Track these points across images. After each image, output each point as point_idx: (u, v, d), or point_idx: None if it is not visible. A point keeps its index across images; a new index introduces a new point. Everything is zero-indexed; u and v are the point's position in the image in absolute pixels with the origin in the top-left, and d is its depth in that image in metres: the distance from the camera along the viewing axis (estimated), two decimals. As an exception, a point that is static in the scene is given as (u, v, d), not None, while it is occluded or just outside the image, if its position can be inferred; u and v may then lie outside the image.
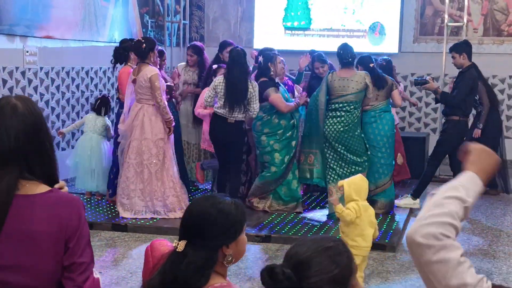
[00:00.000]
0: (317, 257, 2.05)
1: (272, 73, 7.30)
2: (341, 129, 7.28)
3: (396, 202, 7.95)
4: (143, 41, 7.19)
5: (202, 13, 12.05)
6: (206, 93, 7.31)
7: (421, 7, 11.11)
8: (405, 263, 6.16)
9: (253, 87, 7.04)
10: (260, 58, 7.39)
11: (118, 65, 7.83)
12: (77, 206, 2.38)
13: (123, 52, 7.71)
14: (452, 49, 7.84)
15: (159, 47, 7.87)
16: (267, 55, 7.37)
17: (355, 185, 5.10)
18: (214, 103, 7.23)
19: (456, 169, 7.75)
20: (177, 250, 2.27)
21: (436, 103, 8.42)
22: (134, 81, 7.18)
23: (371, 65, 7.55)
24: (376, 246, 6.49)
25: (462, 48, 7.77)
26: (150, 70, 7.06)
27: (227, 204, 2.34)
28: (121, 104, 7.74)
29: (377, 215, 7.56)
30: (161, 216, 7.19)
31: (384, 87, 7.58)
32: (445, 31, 10.10)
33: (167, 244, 2.63)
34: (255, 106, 7.08)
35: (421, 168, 9.60)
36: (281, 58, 7.49)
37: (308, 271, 2.03)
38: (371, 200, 7.58)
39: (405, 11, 11.12)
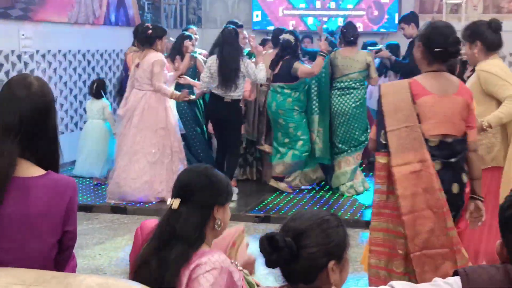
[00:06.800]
0: (315, 229, 2.07)
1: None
2: (353, 105, 7.42)
3: None
4: (150, 27, 7.07)
5: (199, -6, 11.96)
6: (202, 74, 7.29)
7: (420, -15, 11.01)
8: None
9: (246, 66, 7.02)
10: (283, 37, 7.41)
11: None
12: (74, 187, 2.39)
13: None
14: (401, 21, 8.20)
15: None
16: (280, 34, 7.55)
17: None
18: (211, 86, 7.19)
19: None
20: (172, 207, 2.34)
21: (385, 71, 8.29)
22: (137, 65, 7.00)
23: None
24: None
25: (410, 18, 8.06)
26: (154, 55, 6.92)
27: (216, 172, 2.50)
28: None
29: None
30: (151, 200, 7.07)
31: None
32: (444, 9, 10.03)
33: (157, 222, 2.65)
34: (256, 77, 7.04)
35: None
36: (244, 33, 8.08)
37: (305, 241, 2.05)
38: None
39: (404, -11, 11.03)
